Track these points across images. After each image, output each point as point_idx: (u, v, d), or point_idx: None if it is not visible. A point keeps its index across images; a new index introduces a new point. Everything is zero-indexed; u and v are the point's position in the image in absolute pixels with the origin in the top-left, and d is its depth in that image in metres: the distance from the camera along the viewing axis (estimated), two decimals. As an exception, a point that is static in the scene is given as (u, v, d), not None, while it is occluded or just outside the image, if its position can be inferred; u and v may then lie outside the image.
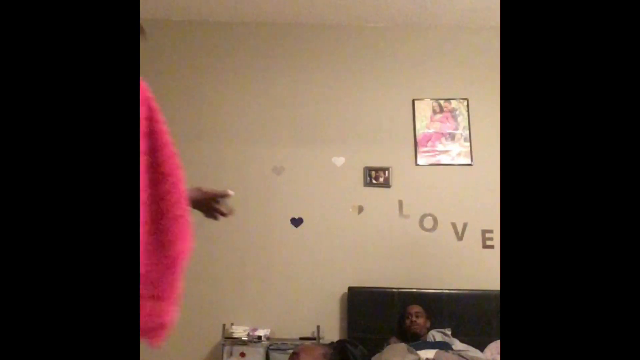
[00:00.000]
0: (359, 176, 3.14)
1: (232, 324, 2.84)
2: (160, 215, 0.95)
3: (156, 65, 3.30)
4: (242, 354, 2.74)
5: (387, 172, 3.14)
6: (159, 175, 0.99)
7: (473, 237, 3.05)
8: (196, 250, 3.05)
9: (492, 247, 3.02)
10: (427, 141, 3.20)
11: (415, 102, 3.26)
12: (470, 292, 2.86)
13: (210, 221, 3.00)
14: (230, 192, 1.24)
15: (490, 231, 3.05)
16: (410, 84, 3.30)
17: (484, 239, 3.05)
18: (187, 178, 2.75)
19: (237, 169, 3.16)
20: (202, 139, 3.21)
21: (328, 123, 3.24)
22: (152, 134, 1.00)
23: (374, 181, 3.13)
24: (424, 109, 3.26)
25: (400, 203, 3.10)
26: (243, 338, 2.73)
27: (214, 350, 2.87)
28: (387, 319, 2.76)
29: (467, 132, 3.21)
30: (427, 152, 3.18)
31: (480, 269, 2.99)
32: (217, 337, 2.87)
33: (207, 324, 2.91)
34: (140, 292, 0.87)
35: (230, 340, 2.74)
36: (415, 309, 2.71)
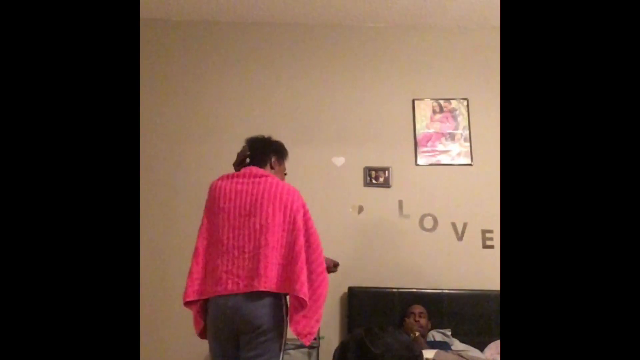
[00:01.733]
0: (359, 176, 3.14)
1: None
2: (312, 271, 1.71)
3: (156, 65, 3.29)
4: (242, 354, 2.74)
5: (387, 172, 3.14)
6: (310, 248, 1.74)
7: (473, 237, 3.05)
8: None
9: (492, 247, 3.02)
10: (427, 141, 3.20)
11: (415, 102, 3.26)
12: (470, 292, 2.86)
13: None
14: (338, 263, 2.00)
15: (490, 231, 3.05)
16: (410, 84, 3.30)
17: (484, 239, 3.05)
18: (187, 178, 2.84)
19: (237, 169, 3.16)
20: (202, 139, 3.20)
21: (328, 123, 3.24)
22: (306, 225, 1.78)
23: (374, 181, 3.13)
24: (424, 109, 3.26)
25: (400, 203, 3.10)
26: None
27: (214, 350, 2.87)
28: (387, 319, 2.75)
29: (467, 132, 3.21)
30: (427, 152, 3.18)
31: (480, 269, 2.99)
32: (217, 337, 2.86)
33: (207, 324, 2.91)
34: (303, 313, 1.66)
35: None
36: (418, 309, 2.71)
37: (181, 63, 3.32)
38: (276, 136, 3.27)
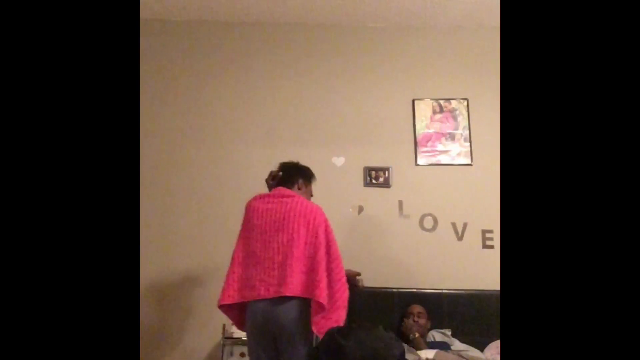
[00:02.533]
0: (359, 176, 3.14)
1: (232, 324, 2.84)
2: (331, 279, 1.96)
3: (156, 65, 3.29)
4: (242, 354, 2.74)
5: (387, 172, 3.14)
6: (331, 258, 2.00)
7: (473, 237, 3.05)
8: (197, 251, 3.08)
9: (492, 247, 3.02)
10: (427, 141, 3.20)
11: (415, 102, 3.26)
12: (470, 292, 2.86)
13: (211, 225, 3.02)
14: (359, 273, 2.31)
15: (490, 231, 3.05)
16: (410, 84, 3.30)
17: (484, 239, 3.05)
18: (187, 178, 2.87)
19: (237, 169, 3.16)
20: (202, 139, 3.21)
21: (328, 123, 3.24)
22: (327, 238, 2.03)
23: (374, 181, 3.13)
24: (424, 109, 3.26)
25: (400, 203, 3.10)
26: (243, 338, 2.72)
27: (214, 350, 2.87)
28: (387, 319, 2.75)
29: (467, 132, 3.21)
30: (427, 152, 3.18)
31: (480, 269, 2.99)
32: (217, 337, 2.87)
33: (207, 324, 2.91)
34: (322, 315, 1.89)
35: (230, 340, 2.74)
36: (417, 309, 2.70)
37: (181, 63, 3.32)
38: (276, 136, 3.29)
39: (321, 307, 1.90)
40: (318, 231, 2.03)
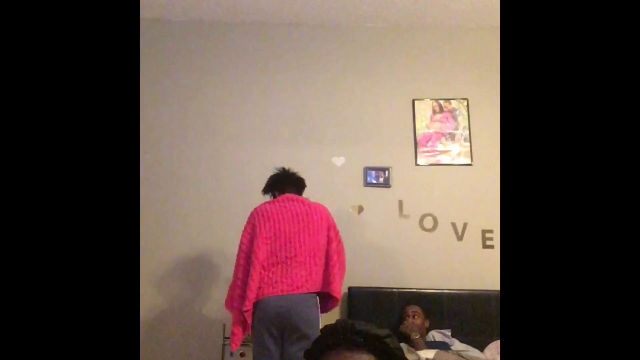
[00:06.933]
0: (359, 176, 3.14)
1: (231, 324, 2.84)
2: (340, 275, 2.23)
3: (156, 65, 3.29)
4: (242, 354, 2.74)
5: (387, 172, 3.14)
6: (340, 259, 2.26)
7: (473, 237, 3.05)
8: (197, 251, 3.08)
9: (492, 247, 3.02)
10: (427, 141, 3.20)
11: (415, 102, 3.26)
12: (470, 292, 2.86)
13: (211, 224, 3.01)
14: None
15: (490, 231, 3.05)
16: (410, 84, 3.30)
17: (484, 239, 3.05)
18: (187, 178, 2.88)
19: (237, 169, 3.16)
20: (202, 139, 3.21)
21: (328, 123, 3.24)
22: (337, 239, 2.29)
23: (374, 181, 3.13)
24: (424, 109, 3.26)
25: (400, 203, 3.10)
26: (243, 338, 2.72)
27: (214, 350, 2.87)
28: (387, 319, 2.75)
29: (467, 132, 3.21)
30: (427, 152, 3.18)
31: (480, 269, 2.99)
32: (217, 337, 2.87)
33: (207, 324, 2.91)
34: (334, 290, 2.18)
35: (230, 340, 2.74)
36: (412, 308, 2.70)
37: (181, 63, 3.32)
38: (276, 136, 3.29)
39: (335, 300, 2.17)
40: (330, 232, 2.24)
